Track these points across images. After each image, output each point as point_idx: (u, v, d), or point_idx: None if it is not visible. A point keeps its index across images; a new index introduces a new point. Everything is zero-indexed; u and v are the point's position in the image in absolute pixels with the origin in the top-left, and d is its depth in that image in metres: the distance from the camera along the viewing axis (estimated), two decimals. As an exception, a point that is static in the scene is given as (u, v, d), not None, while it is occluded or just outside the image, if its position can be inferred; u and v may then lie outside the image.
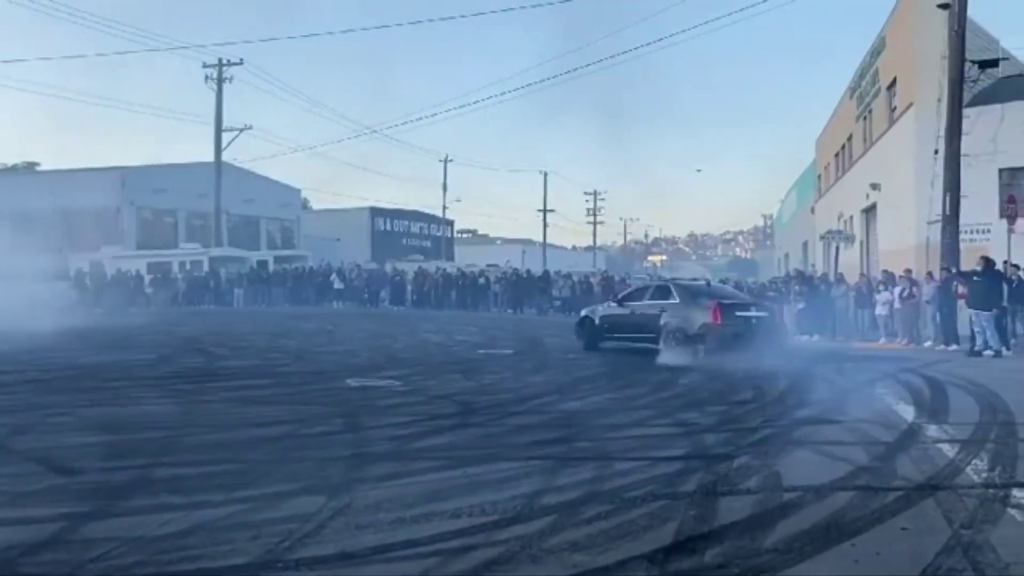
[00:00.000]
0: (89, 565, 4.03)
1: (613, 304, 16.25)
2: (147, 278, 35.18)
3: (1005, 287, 15.90)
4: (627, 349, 15.19)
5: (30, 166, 54.31)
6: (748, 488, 5.61)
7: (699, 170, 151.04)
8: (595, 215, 75.26)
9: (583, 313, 17.16)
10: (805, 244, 44.05)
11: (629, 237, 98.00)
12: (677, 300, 14.47)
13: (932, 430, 7.71)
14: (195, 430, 7.53)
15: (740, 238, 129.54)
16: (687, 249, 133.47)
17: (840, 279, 22.11)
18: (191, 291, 34.81)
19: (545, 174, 69.68)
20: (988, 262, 15.65)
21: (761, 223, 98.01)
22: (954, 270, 16.90)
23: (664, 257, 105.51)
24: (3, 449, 6.42)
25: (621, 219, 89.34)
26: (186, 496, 5.24)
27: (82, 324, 20.26)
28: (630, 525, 4.82)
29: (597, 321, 16.18)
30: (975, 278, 15.48)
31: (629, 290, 17.69)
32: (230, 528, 4.65)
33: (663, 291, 15.16)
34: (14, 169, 54.35)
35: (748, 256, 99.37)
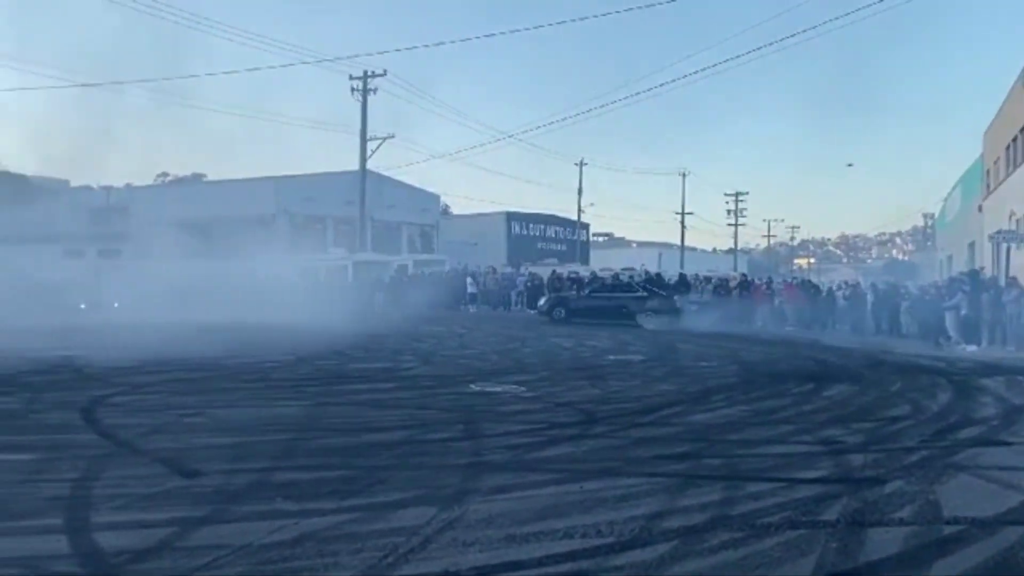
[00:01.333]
0: (195, 574, 3.99)
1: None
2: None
3: None
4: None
5: (197, 177, 58.34)
6: (901, 518, 5.00)
7: (850, 164, 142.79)
8: (736, 216, 72.81)
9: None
10: (971, 245, 40.79)
11: (773, 239, 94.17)
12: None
13: None
14: (317, 433, 7.58)
15: (897, 239, 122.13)
16: (838, 251, 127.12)
17: (1013, 283, 20.15)
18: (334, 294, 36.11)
19: (683, 175, 67.97)
20: None
21: (921, 223, 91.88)
22: None
23: (812, 260, 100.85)
24: (133, 450, 6.64)
25: (764, 220, 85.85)
26: (299, 503, 5.19)
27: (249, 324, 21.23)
28: (762, 556, 4.37)
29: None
30: None
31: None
32: (336, 539, 4.54)
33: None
34: (182, 181, 58.54)
35: (906, 258, 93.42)
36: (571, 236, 61.04)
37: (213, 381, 10.70)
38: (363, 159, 41.68)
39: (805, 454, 6.99)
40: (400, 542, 4.49)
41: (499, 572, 4.14)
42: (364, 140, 41.40)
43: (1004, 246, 26.34)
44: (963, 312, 19.16)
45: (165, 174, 64.01)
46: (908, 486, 5.75)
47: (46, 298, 25.32)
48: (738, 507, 5.30)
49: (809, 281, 28.20)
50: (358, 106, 40.58)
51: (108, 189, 47.31)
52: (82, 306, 25.55)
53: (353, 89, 40.47)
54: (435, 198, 55.47)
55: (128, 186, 52.21)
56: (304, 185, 45.90)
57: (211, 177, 56.09)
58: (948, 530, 4.77)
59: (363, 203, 41.50)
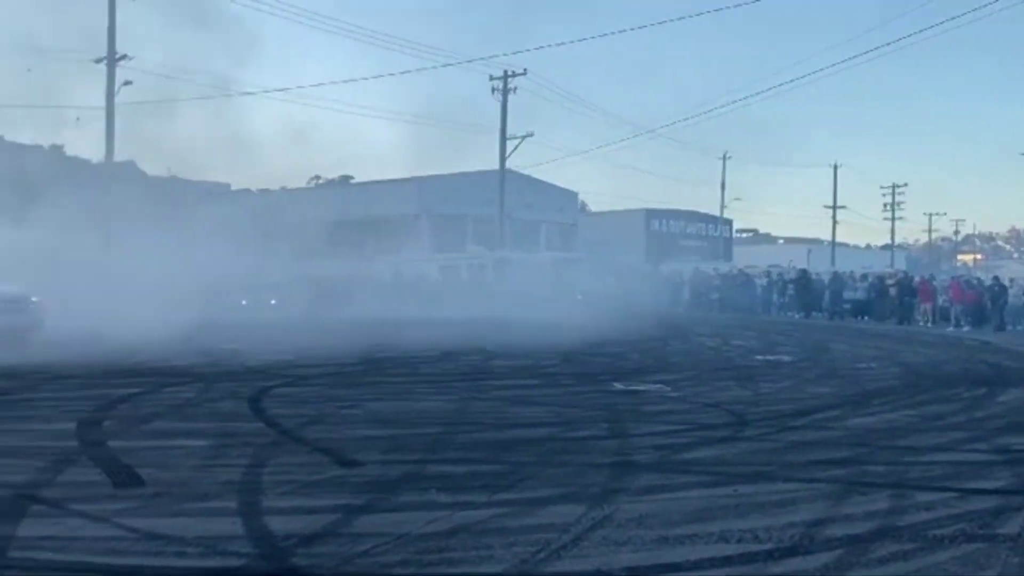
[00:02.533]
0: (357, 560, 4.15)
1: None
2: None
3: None
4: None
5: (345, 179, 60.96)
6: (1095, 536, 4.55)
7: (1023, 153, 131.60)
8: (893, 210, 68.69)
9: None
10: None
11: (935, 233, 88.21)
12: None
13: None
14: (466, 428, 7.74)
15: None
16: (1007, 246, 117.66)
17: None
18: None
19: (835, 167, 64.80)
20: None
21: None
22: None
23: (979, 256, 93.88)
24: (294, 439, 7.00)
25: (925, 214, 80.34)
26: (451, 495, 5.31)
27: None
28: (936, 569, 4.10)
29: None
30: None
31: None
32: (489, 533, 4.61)
33: None
34: (332, 183, 61.33)
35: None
36: (713, 232, 59.51)
37: (365, 375, 11.12)
38: (503, 158, 42.24)
39: (979, 463, 6.51)
40: (552, 538, 4.51)
41: (654, 573, 4.08)
42: (504, 139, 41.95)
43: None
44: None
45: (317, 177, 67.26)
46: (1104, 502, 5.24)
47: (211, 295, 27.17)
48: (906, 517, 4.99)
49: (996, 278, 26.09)
50: (497, 106, 41.19)
51: (266, 192, 50.20)
52: (243, 303, 27.18)
53: (493, 89, 41.08)
54: (573, 196, 55.44)
55: (283, 189, 55.28)
56: (445, 185, 47.01)
57: (358, 179, 58.43)
58: None
59: (502, 202, 42.06)
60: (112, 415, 7.90)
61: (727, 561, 4.23)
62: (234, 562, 4.10)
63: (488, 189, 42.60)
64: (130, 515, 4.75)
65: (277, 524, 4.65)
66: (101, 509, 4.87)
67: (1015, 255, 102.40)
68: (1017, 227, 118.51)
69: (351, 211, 44.21)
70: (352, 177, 60.25)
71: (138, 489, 5.35)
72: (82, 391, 9.31)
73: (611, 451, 6.79)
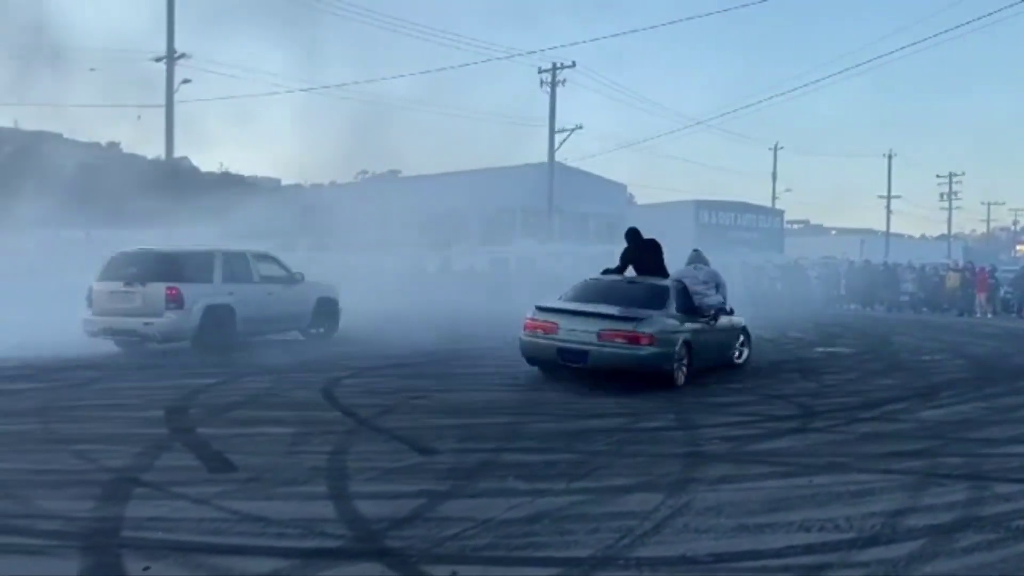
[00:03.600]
0: (447, 543, 4.31)
1: None
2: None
3: None
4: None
5: (393, 174, 61.54)
6: None
7: None
8: (950, 200, 67.15)
9: None
10: None
11: (993, 223, 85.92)
12: None
13: None
14: (536, 417, 7.87)
15: None
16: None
17: None
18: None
19: (889, 156, 63.48)
20: None
21: None
22: None
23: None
24: (373, 428, 7.20)
25: (983, 203, 78.30)
26: (529, 482, 5.44)
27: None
28: (1021, 559, 4.10)
29: None
30: None
31: None
32: (571, 519, 4.73)
33: None
34: (381, 177, 61.96)
35: None
36: (765, 224, 58.73)
37: (432, 366, 11.29)
38: (551, 151, 42.29)
39: (1057, 456, 6.43)
40: (634, 525, 4.61)
41: (737, 560, 4.16)
42: (552, 132, 41.98)
43: None
44: None
45: (364, 171, 67.98)
46: None
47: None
48: (987, 508, 4.99)
49: None
50: (546, 98, 41.21)
51: (318, 187, 50.91)
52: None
53: (542, 82, 41.10)
54: (621, 188, 55.18)
55: (333, 183, 56.01)
56: (494, 178, 47.13)
57: (406, 173, 58.96)
58: None
59: (551, 194, 42.10)
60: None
61: (810, 549, 4.29)
62: (331, 543, 4.29)
63: (537, 182, 42.68)
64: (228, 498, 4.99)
65: (367, 508, 4.84)
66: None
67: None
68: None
69: (401, 204, 44.63)
70: (399, 171, 60.84)
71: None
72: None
73: (681, 442, 6.87)
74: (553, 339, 9.60)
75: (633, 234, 11.70)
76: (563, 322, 9.60)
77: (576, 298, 10.29)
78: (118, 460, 5.85)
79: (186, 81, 29.02)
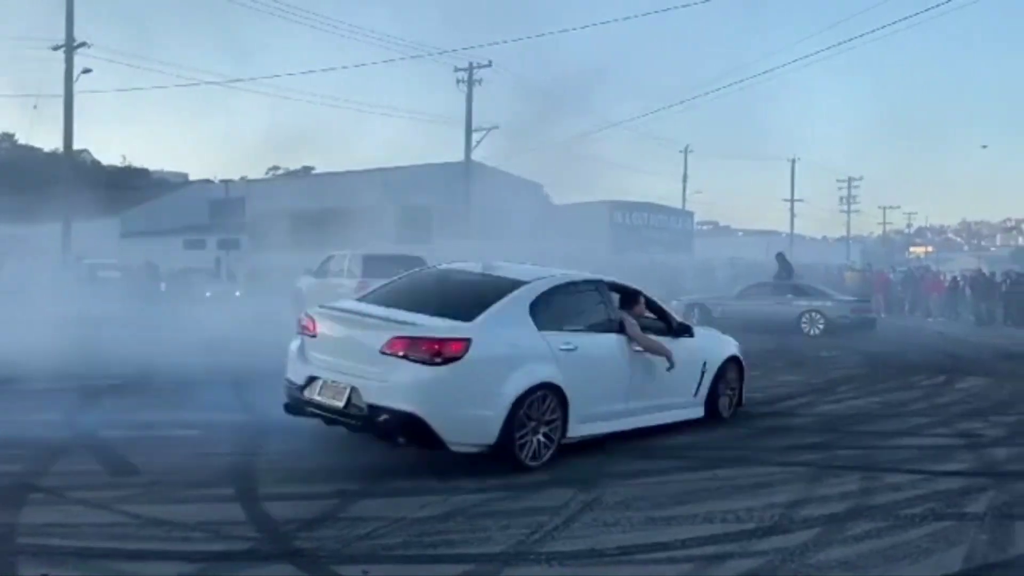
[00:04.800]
0: (357, 543, 4.29)
1: None
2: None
3: None
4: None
5: (307, 170, 60.48)
6: (1053, 513, 4.86)
7: (984, 146, 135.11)
8: (849, 203, 70.10)
9: None
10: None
11: (889, 226, 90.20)
12: None
13: None
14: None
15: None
16: (958, 239, 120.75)
17: None
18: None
19: (793, 161, 65.91)
20: None
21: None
22: None
23: (930, 248, 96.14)
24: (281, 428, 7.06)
25: (879, 207, 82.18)
26: (444, 480, 5.44)
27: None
28: (908, 547, 4.36)
29: None
30: None
31: None
32: (484, 516, 4.77)
33: None
34: (294, 174, 60.84)
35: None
36: (676, 225, 60.16)
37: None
38: (468, 149, 42.35)
39: (944, 447, 6.83)
40: (545, 520, 4.69)
41: (643, 552, 4.28)
42: (469, 131, 42.04)
43: None
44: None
45: (276, 167, 66.56)
46: (1058, 481, 5.57)
47: (174, 287, 26.89)
48: (878, 497, 5.26)
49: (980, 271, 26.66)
50: (463, 97, 41.22)
51: (227, 183, 49.60)
52: (208, 294, 26.90)
53: (458, 81, 41.10)
54: (538, 187, 55.67)
55: (244, 179, 54.63)
56: (410, 176, 46.95)
57: (319, 169, 58.01)
58: (1109, 527, 4.62)
59: (468, 193, 42.15)
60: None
61: (713, 540, 4.44)
62: (239, 546, 4.21)
63: (453, 181, 42.67)
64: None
65: (277, 509, 4.76)
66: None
67: (965, 247, 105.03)
68: (968, 220, 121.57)
69: (315, 202, 43.91)
70: (313, 168, 59.81)
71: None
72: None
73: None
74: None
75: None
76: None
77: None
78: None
79: (86, 71, 27.80)
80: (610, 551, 4.27)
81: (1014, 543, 4.41)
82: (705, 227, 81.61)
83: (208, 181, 56.32)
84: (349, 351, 5.84)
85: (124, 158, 64.35)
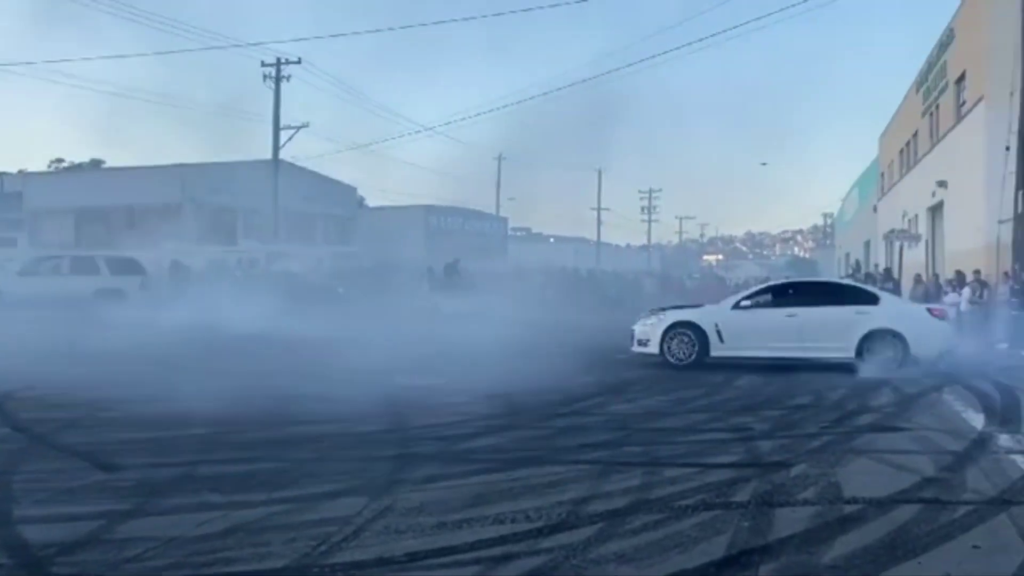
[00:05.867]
0: (124, 565, 3.98)
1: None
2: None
3: None
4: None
5: (96, 164, 56.02)
6: (806, 499, 5.34)
7: (764, 163, 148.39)
8: (650, 213, 74.52)
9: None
10: (867, 244, 42.92)
11: (685, 236, 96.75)
12: None
13: (1004, 440, 7.28)
14: (241, 427, 7.52)
15: (799, 237, 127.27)
16: (744, 248, 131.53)
17: (918, 280, 21.58)
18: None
19: (600, 171, 69.09)
20: None
21: (821, 222, 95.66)
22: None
23: (720, 256, 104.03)
24: (49, 445, 6.47)
25: (677, 217, 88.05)
26: (226, 495, 5.19)
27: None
28: (680, 536, 4.61)
29: None
30: None
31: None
32: (268, 530, 4.58)
33: None
34: (80, 167, 56.14)
35: (807, 255, 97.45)
36: (490, 230, 61.25)
37: (125, 375, 10.40)
38: (276, 147, 40.85)
39: (718, 441, 7.34)
40: (332, 531, 4.56)
41: (432, 557, 4.26)
42: (277, 128, 40.56)
43: (897, 244, 27.90)
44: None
45: (60, 160, 61.25)
46: (812, 469, 6.11)
47: None
48: (657, 491, 5.54)
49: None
50: (271, 94, 39.76)
51: (1, 175, 45.04)
52: None
53: (265, 76, 39.60)
54: (351, 190, 54.75)
55: (21, 172, 49.79)
56: (213, 174, 44.62)
57: (111, 164, 54.01)
58: (848, 509, 5.10)
59: (276, 194, 40.69)
60: None
61: (502, 540, 4.50)
62: (-17, 578, 3.79)
63: (261, 180, 41.02)
64: None
65: (34, 533, 4.33)
66: None
67: (750, 256, 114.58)
68: (752, 231, 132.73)
69: (104, 198, 40.86)
70: (103, 162, 55.54)
71: None
72: None
73: (392, 444, 6.91)
74: None
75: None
76: None
77: None
78: None
79: None
80: (399, 558, 4.22)
81: (773, 529, 4.78)
82: (519, 233, 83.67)
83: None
84: None
85: None
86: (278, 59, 39.43)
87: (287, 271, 31.84)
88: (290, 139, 40.77)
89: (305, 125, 40.97)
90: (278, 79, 39.55)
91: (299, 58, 39.50)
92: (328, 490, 5.40)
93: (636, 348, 13.52)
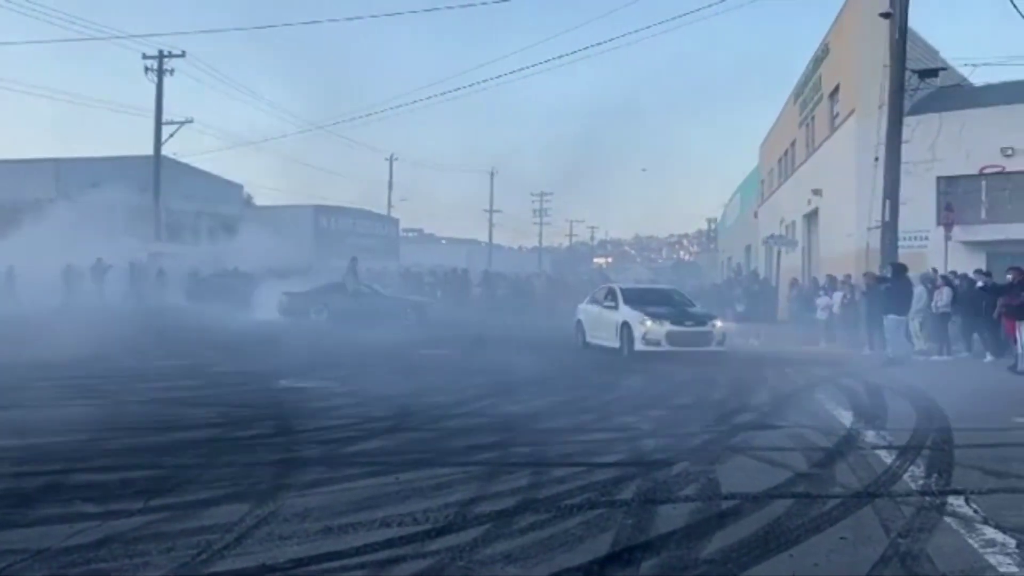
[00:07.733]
0: (-15, 582, 3.75)
1: None
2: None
3: (923, 293, 16.00)
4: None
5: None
6: (686, 496, 5.54)
7: (644, 169, 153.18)
8: (541, 216, 75.50)
9: None
10: (748, 248, 44.75)
11: (575, 239, 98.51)
12: None
13: (870, 436, 7.76)
14: (119, 433, 7.21)
15: (685, 241, 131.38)
16: (632, 251, 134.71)
17: (794, 283, 22.65)
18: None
19: (492, 173, 69.52)
20: (900, 268, 15.73)
21: (705, 227, 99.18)
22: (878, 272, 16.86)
23: (610, 259, 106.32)
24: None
25: (568, 220, 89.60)
26: (101, 504, 4.96)
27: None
28: (565, 535, 4.70)
29: None
30: (885, 284, 15.48)
31: None
32: (145, 539, 4.41)
33: None
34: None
35: (692, 259, 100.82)
36: (382, 231, 60.57)
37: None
38: (158, 143, 39.27)
39: (604, 440, 7.52)
40: (214, 539, 4.44)
41: (317, 563, 4.20)
42: (159, 123, 39.00)
43: (776, 249, 29.27)
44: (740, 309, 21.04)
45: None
46: (692, 467, 6.34)
47: None
48: (544, 491, 5.63)
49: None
50: (153, 87, 38.17)
51: None
52: None
53: (147, 69, 37.99)
54: (237, 188, 53.09)
55: None
56: (91, 169, 42.39)
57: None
58: (726, 505, 5.32)
59: (158, 191, 39.08)
60: None
61: (388, 544, 4.48)
62: None
63: (142, 176, 39.29)
64: None
65: None
66: None
67: (638, 259, 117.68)
68: (640, 235, 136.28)
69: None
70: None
71: None
72: None
73: (278, 448, 6.77)
74: None
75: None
76: None
77: None
78: None
79: None
80: (282, 565, 4.14)
81: (654, 525, 4.93)
82: (411, 234, 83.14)
83: None
84: None
85: None
86: (160, 51, 37.96)
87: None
88: (173, 134, 39.28)
89: (189, 121, 39.63)
90: (160, 72, 38.05)
91: (183, 51, 38.11)
92: (209, 496, 5.25)
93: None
